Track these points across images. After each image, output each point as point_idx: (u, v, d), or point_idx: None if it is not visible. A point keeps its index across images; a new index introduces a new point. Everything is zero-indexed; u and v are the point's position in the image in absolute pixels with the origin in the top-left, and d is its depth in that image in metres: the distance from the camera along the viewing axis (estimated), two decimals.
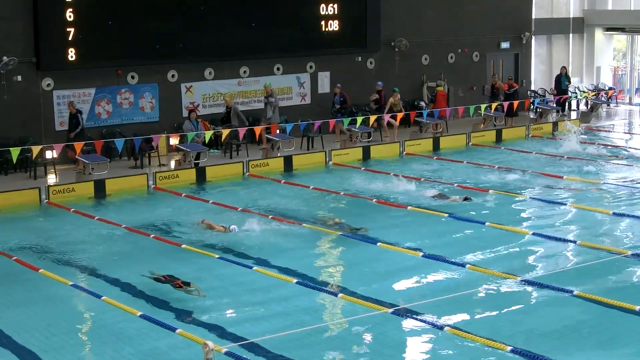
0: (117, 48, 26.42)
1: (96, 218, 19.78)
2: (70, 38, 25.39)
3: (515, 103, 31.52)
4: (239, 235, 17.64)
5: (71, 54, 25.46)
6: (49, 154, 24.17)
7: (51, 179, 24.09)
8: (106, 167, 23.64)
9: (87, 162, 23.39)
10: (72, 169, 24.47)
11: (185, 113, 27.46)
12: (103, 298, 14.06)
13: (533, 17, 37.13)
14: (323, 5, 30.23)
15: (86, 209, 20.74)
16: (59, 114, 25.76)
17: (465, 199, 20.00)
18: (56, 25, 25.26)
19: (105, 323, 13.35)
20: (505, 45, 36.05)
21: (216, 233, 17.78)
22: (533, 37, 37.18)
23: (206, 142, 25.70)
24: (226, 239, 17.47)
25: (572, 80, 36.34)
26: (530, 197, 20.57)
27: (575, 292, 13.73)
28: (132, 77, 27.08)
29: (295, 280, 14.81)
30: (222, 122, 27.37)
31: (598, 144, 27.93)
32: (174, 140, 26.10)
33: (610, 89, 37.48)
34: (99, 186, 22.35)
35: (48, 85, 25.61)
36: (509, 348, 11.65)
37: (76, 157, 23.63)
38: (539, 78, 38.57)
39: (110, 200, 21.93)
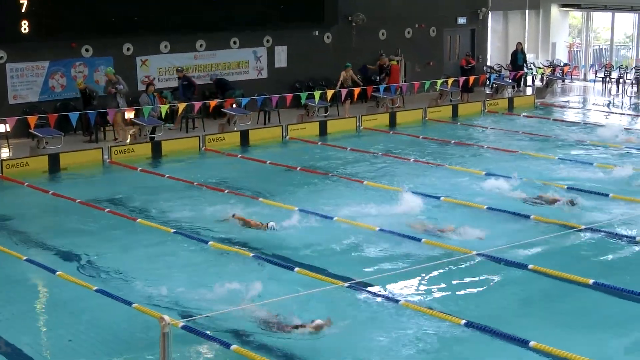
0: (71, 21, 26.07)
1: (51, 192, 19.61)
2: (23, 10, 24.99)
3: (471, 78, 31.64)
4: (194, 211, 17.59)
5: (24, 27, 25.07)
6: (2, 128, 23.87)
7: (5, 152, 23.83)
8: (61, 141, 23.42)
9: (41, 136, 23.16)
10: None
11: (140, 87, 27.23)
12: (58, 273, 13.96)
13: None
14: None
15: (40, 183, 20.56)
16: (12, 87, 25.46)
17: (571, 202, 17.82)
18: None
19: (60, 298, 13.27)
20: (462, 20, 36.15)
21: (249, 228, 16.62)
22: (489, 13, 37.32)
23: (162, 116, 25.53)
24: (185, 214, 17.42)
25: (527, 56, 36.52)
26: (485, 172, 20.67)
27: (530, 267, 13.86)
28: (87, 50, 26.81)
29: (252, 254, 14.80)
30: (84, 106, 26.02)
31: (554, 119, 28.21)
32: (130, 114, 25.89)
33: (565, 65, 37.71)
34: (54, 160, 22.14)
35: (1, 58, 25.27)
36: (463, 322, 11.76)
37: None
38: (495, 54, 38.75)
39: (65, 175, 21.75)
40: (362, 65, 32.21)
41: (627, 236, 15.57)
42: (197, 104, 25.90)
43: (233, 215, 16.87)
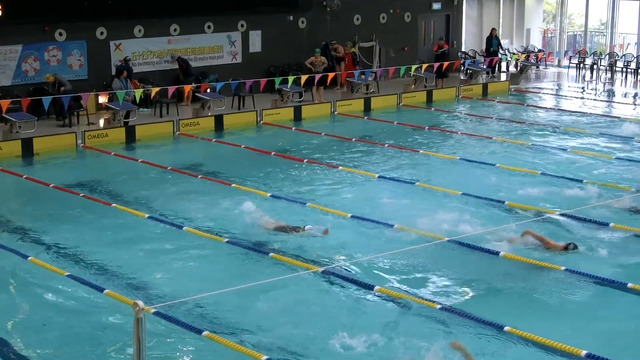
0: (44, 4, 25.85)
1: (24, 177, 19.50)
2: None
3: (446, 64, 31.65)
4: (167, 195, 17.54)
5: None
6: None
7: None
8: (34, 125, 23.28)
9: (14, 120, 23.01)
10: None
11: (114, 71, 27.06)
12: (30, 258, 13.89)
13: None
14: None
15: (14, 167, 20.41)
16: None
17: None
18: None
19: (32, 283, 13.19)
20: (436, 6, 36.15)
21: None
22: None
23: (137, 101, 25.41)
24: (158, 199, 17.38)
25: (502, 42, 36.59)
26: (460, 158, 20.72)
27: (501, 254, 13.89)
28: (60, 34, 26.61)
29: (225, 240, 14.78)
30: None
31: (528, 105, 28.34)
32: (103, 99, 25.76)
33: (539, 51, 37.82)
34: (27, 145, 21.99)
35: None
36: (438, 306, 11.80)
37: None
38: (470, 39, 38.78)
39: (38, 159, 21.62)
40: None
41: (599, 222, 15.62)
42: (171, 89, 25.78)
43: (263, 219, 15.85)
